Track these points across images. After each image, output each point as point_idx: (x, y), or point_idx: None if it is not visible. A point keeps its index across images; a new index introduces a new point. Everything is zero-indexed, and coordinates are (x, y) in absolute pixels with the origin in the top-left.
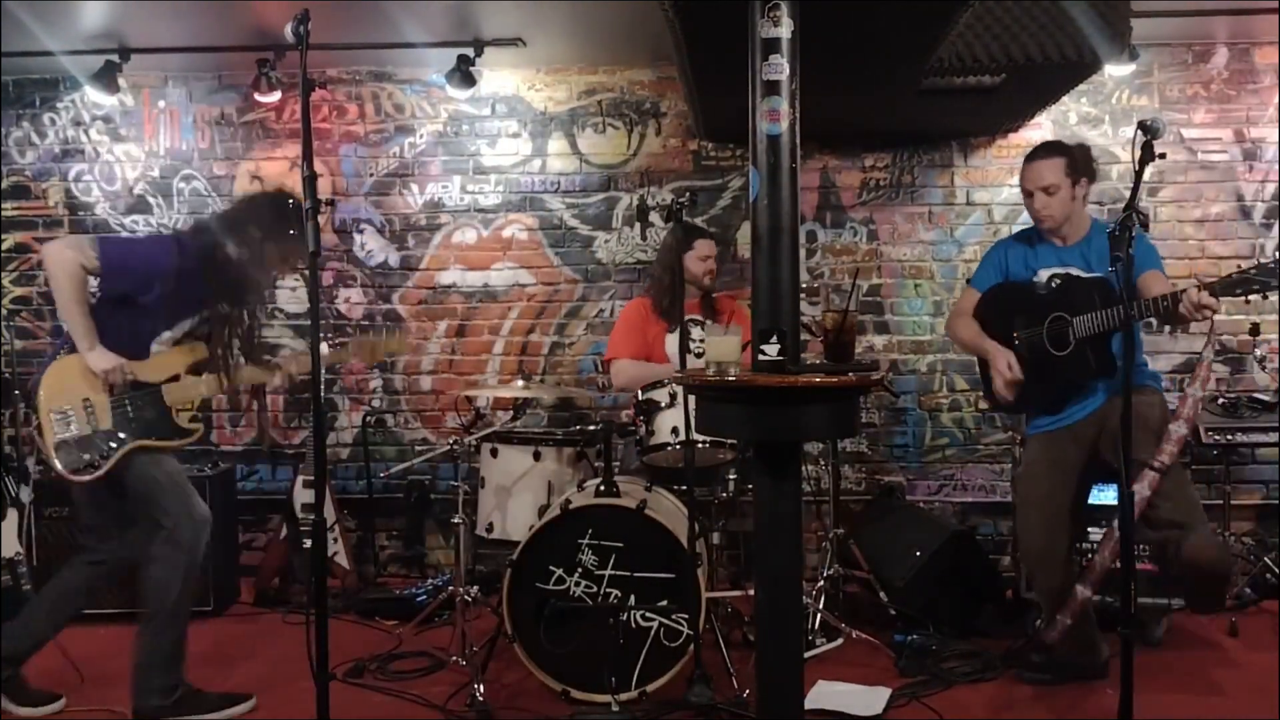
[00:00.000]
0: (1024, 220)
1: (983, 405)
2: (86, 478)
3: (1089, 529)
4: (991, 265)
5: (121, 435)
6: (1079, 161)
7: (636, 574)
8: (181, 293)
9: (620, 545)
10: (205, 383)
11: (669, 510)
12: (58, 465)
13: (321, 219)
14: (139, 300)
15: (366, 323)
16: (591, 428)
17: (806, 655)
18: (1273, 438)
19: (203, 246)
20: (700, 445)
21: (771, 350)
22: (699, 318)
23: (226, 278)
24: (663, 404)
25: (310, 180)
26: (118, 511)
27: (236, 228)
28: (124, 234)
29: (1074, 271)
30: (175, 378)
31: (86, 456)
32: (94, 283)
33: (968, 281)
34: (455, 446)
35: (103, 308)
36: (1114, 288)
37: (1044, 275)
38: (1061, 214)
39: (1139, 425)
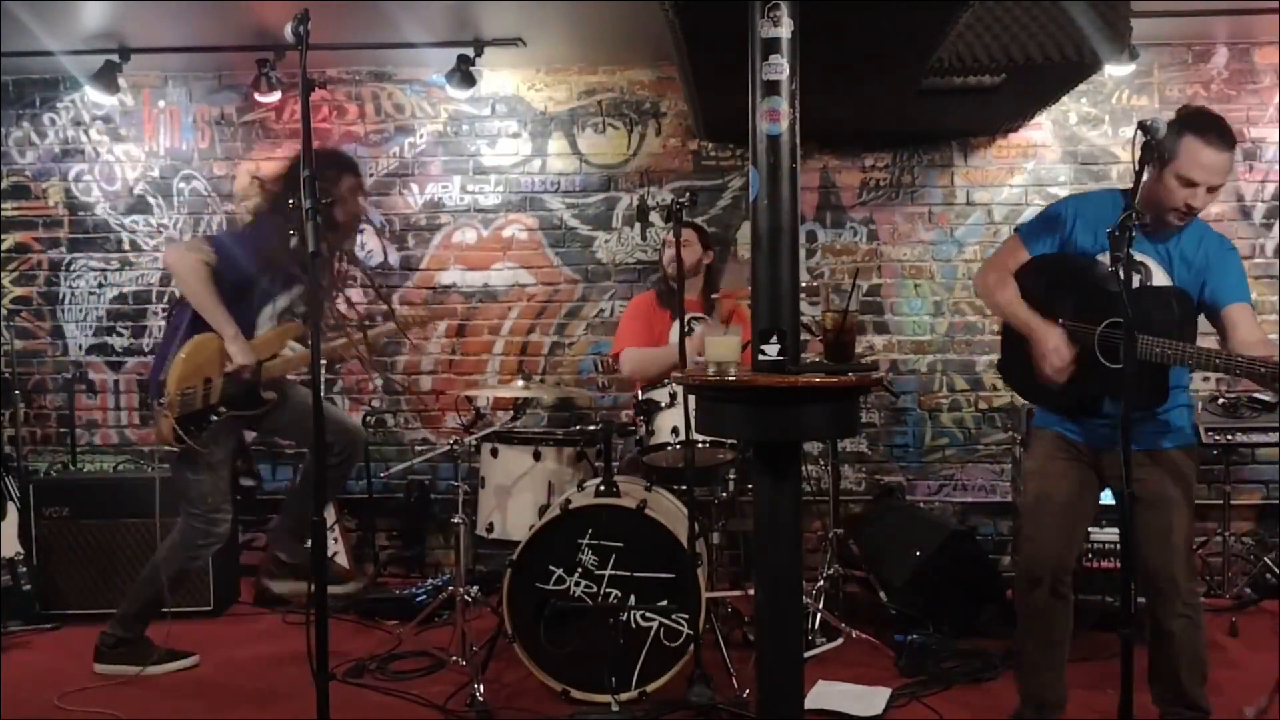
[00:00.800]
0: (1027, 219)
1: (996, 387)
2: (178, 446)
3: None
4: (1050, 225)
5: (221, 409)
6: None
7: (636, 574)
8: (280, 267)
9: (620, 545)
10: (299, 356)
11: (669, 510)
12: (182, 436)
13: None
14: (250, 283)
15: (368, 323)
16: (591, 428)
17: (806, 655)
18: (1273, 438)
19: (287, 218)
20: (700, 445)
21: (771, 350)
22: (700, 315)
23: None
24: (663, 404)
25: (310, 181)
26: (213, 483)
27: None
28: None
29: (1149, 263)
30: (273, 356)
31: (191, 427)
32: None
33: (1015, 230)
34: (455, 446)
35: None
36: (1195, 307)
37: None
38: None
39: (1167, 506)
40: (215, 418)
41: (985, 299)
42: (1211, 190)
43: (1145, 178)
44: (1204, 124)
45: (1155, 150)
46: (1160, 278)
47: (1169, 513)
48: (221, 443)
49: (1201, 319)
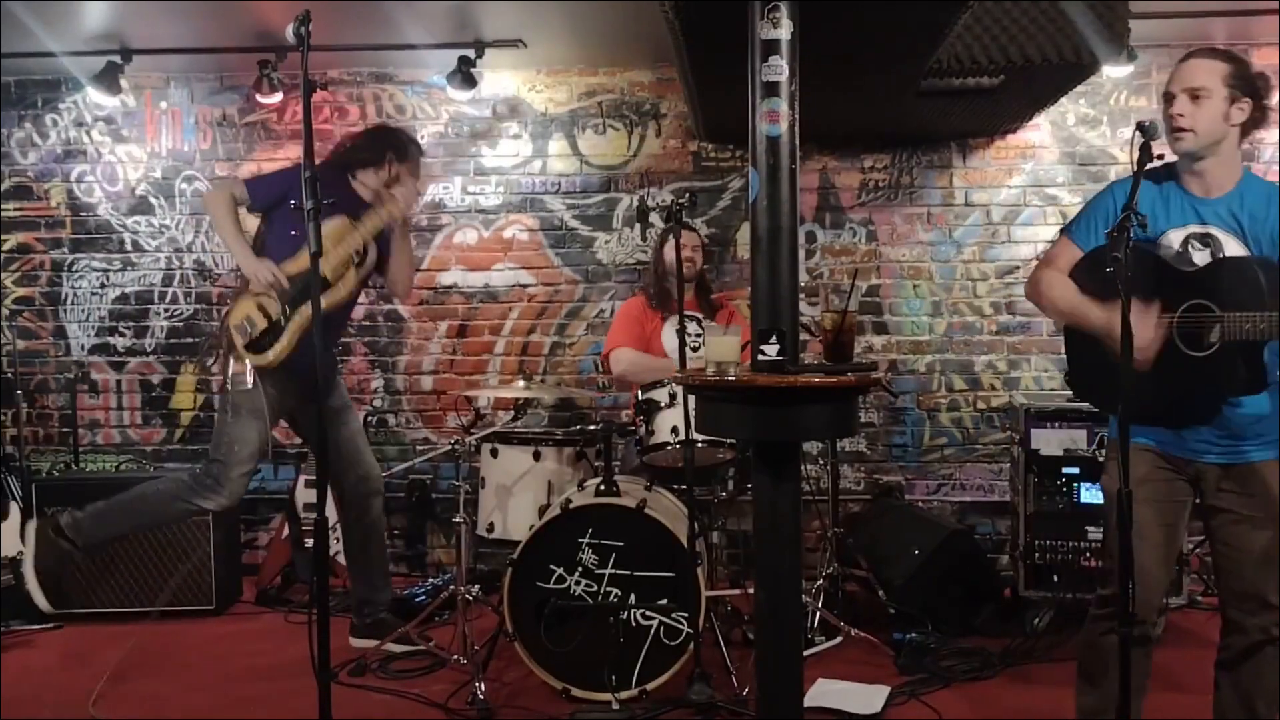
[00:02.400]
0: (1025, 219)
1: (995, 387)
2: (267, 357)
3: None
4: (1100, 215)
5: (288, 312)
6: (1245, 79)
7: (637, 573)
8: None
9: (620, 544)
10: (345, 240)
11: (669, 509)
12: (249, 358)
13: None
14: (285, 209)
15: (368, 323)
16: (592, 428)
17: (806, 654)
18: None
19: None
20: (700, 445)
21: (771, 350)
22: (697, 314)
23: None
24: (663, 404)
25: (312, 181)
26: (242, 433)
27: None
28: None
29: (1215, 233)
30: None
31: (267, 340)
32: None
33: (1063, 231)
34: (456, 446)
35: (264, 229)
36: None
37: (1176, 237)
38: (1206, 131)
39: (1264, 523)
40: (283, 323)
41: (1041, 303)
42: (1196, 99)
43: None
44: (1189, 52)
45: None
46: (1233, 246)
47: (1271, 528)
48: (269, 395)
49: None
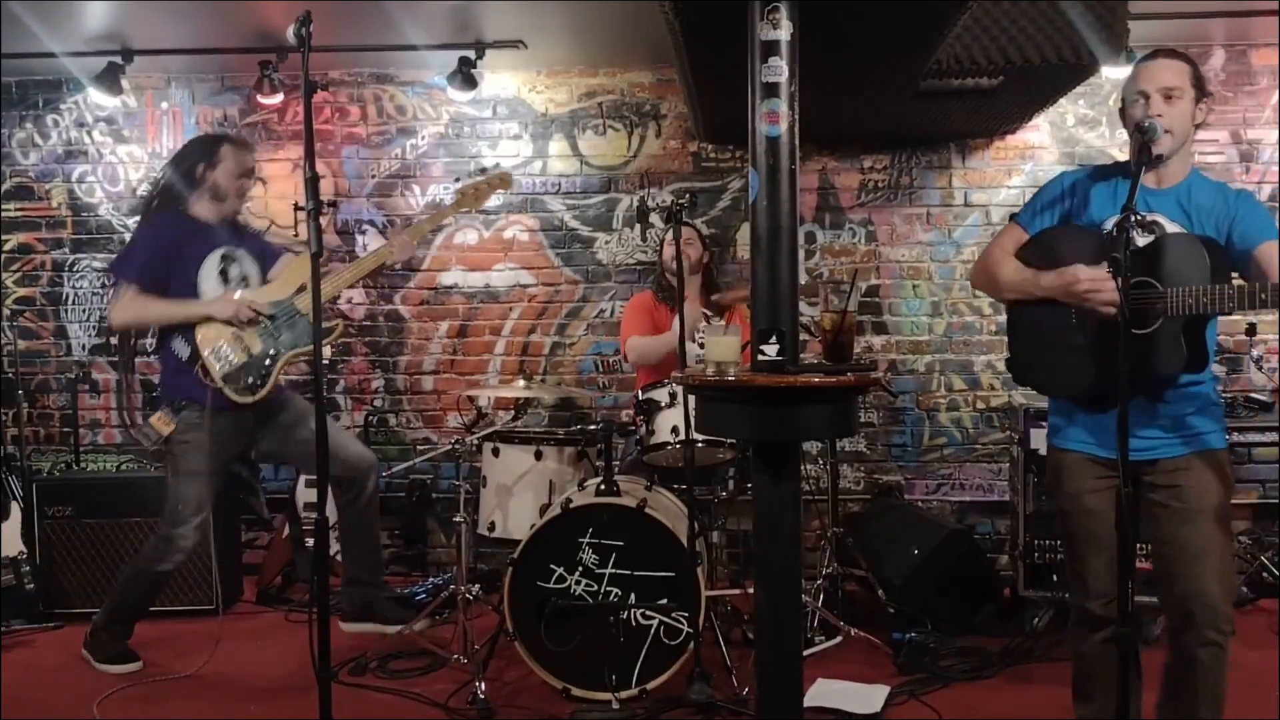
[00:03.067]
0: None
1: (994, 387)
2: (251, 398)
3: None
4: (1048, 201)
5: (273, 352)
6: (1201, 79)
7: (637, 572)
8: (193, 237)
9: (621, 544)
10: (332, 280)
11: (669, 509)
12: (230, 394)
13: (324, 220)
14: (172, 267)
15: (368, 323)
16: (592, 427)
17: (806, 653)
18: (1270, 437)
19: (173, 198)
20: (699, 445)
21: (771, 350)
22: (704, 310)
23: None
24: (663, 404)
25: (313, 182)
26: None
27: (188, 167)
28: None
29: (1160, 219)
30: (303, 288)
31: (250, 380)
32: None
33: (1011, 218)
34: (457, 446)
35: (164, 285)
36: (1225, 254)
37: (1111, 223)
38: (1181, 131)
39: (1207, 516)
40: (269, 362)
41: (984, 282)
42: (1169, 99)
43: None
44: (1153, 52)
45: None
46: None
47: (1208, 524)
48: (221, 434)
49: None
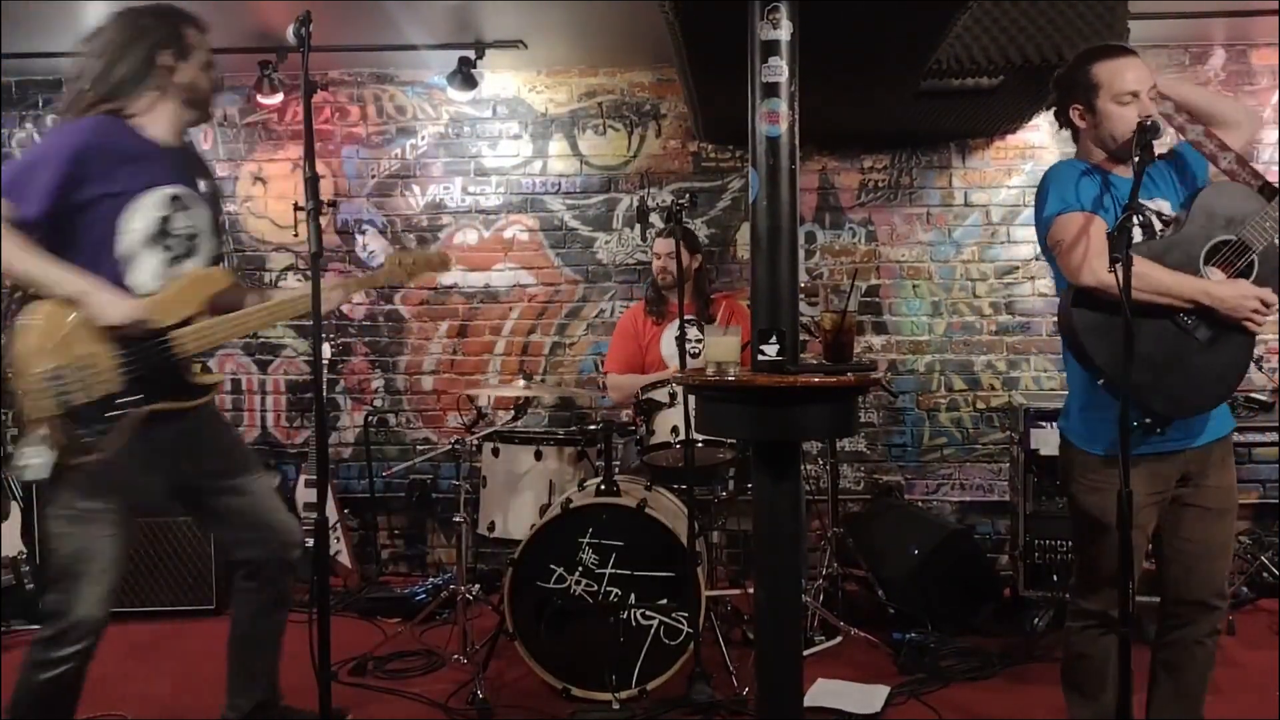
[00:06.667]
0: (1025, 219)
1: (994, 387)
2: (91, 457)
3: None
4: (1070, 182)
5: (128, 396)
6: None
7: (637, 572)
8: (125, 165)
9: (621, 544)
10: (239, 318)
11: (669, 509)
12: (48, 451)
13: (324, 220)
14: (86, 200)
15: (368, 323)
16: (592, 427)
17: (806, 653)
18: (1270, 437)
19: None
20: (699, 445)
21: (771, 350)
22: (694, 319)
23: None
24: (663, 404)
25: (312, 182)
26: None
27: (146, 52)
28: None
29: (1167, 209)
30: (187, 321)
31: (85, 434)
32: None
33: (1059, 213)
34: (457, 446)
35: (55, 234)
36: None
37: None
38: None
39: (1229, 517)
40: (117, 410)
41: (1111, 281)
42: (1151, 99)
43: (1083, 126)
44: (1102, 50)
45: (1077, 95)
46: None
47: (1232, 522)
48: (124, 481)
49: None
